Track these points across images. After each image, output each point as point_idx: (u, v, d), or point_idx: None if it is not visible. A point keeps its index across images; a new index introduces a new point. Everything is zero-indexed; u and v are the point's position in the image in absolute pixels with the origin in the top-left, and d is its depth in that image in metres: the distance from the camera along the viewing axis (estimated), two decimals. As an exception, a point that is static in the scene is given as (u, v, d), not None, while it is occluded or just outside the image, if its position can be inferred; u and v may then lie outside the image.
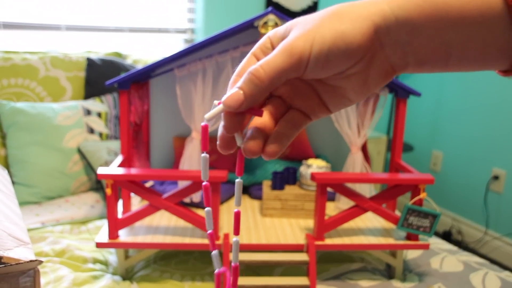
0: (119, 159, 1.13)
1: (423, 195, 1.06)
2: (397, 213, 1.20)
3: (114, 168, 1.05)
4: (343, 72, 0.34)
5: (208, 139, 0.36)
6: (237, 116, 0.34)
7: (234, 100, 0.33)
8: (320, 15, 0.34)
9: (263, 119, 0.35)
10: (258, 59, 0.36)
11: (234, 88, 0.33)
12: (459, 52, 0.33)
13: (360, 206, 1.07)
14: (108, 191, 1.01)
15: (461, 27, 0.32)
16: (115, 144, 1.70)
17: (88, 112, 1.73)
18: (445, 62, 0.34)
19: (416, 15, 0.32)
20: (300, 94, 0.37)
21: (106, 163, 1.59)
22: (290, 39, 0.33)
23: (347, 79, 0.35)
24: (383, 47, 0.34)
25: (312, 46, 0.32)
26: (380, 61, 0.34)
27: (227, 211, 1.24)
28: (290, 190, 1.25)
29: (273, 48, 0.35)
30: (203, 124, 0.35)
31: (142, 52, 2.20)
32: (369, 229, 1.17)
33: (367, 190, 1.25)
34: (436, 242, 1.38)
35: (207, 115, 0.34)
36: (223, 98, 0.33)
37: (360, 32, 0.32)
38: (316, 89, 0.36)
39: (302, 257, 1.06)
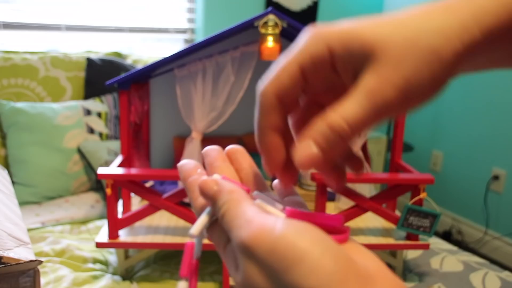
0: (119, 159, 1.13)
1: (423, 195, 1.06)
2: (397, 213, 1.20)
3: (114, 168, 1.05)
4: None
5: (191, 261, 0.29)
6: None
7: (309, 157, 0.26)
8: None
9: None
10: (304, 71, 0.27)
11: (306, 142, 0.26)
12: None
13: (360, 206, 1.07)
14: (108, 191, 1.01)
15: None
16: (115, 144, 1.70)
17: (88, 112, 1.73)
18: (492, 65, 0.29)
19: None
20: (333, 89, 0.30)
21: (106, 163, 1.59)
22: (380, 88, 0.25)
23: None
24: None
25: (409, 93, 0.25)
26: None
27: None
28: (290, 190, 1.25)
29: (333, 66, 0.27)
30: (188, 241, 0.29)
31: (142, 52, 2.20)
32: (369, 229, 1.17)
33: (367, 190, 1.25)
34: (436, 242, 1.38)
35: (194, 230, 0.28)
36: (296, 156, 0.27)
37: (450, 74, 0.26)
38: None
39: (302, 257, 1.06)
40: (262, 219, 0.24)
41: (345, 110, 0.26)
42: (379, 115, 0.26)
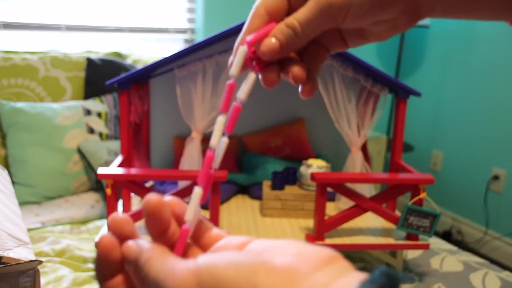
0: (119, 159, 1.13)
1: (423, 195, 1.06)
2: (397, 213, 1.20)
3: (114, 168, 1.05)
4: (375, 21, 0.35)
5: (185, 245, 0.30)
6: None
7: (269, 48, 0.33)
8: None
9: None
10: (267, 10, 0.34)
11: (269, 38, 0.33)
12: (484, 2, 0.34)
13: (360, 206, 1.07)
14: (108, 191, 1.01)
15: None
16: (115, 144, 1.70)
17: (88, 112, 1.73)
18: (470, 11, 0.35)
19: None
20: (323, 33, 0.36)
21: (106, 163, 1.59)
22: None
23: (375, 25, 0.36)
24: None
25: (351, 2, 0.32)
26: (410, 6, 0.35)
27: (227, 211, 1.24)
28: (290, 190, 1.25)
29: None
30: (184, 226, 0.30)
31: (142, 52, 2.20)
32: (369, 229, 1.17)
33: (367, 190, 1.25)
34: (436, 242, 1.38)
35: (189, 215, 0.30)
36: (260, 47, 0.33)
37: None
38: (340, 30, 0.37)
39: (302, 257, 1.06)
40: (182, 266, 0.25)
41: (298, 14, 0.33)
42: (324, 16, 0.33)
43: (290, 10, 0.35)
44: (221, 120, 0.32)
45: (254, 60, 0.34)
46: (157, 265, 0.26)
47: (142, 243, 0.28)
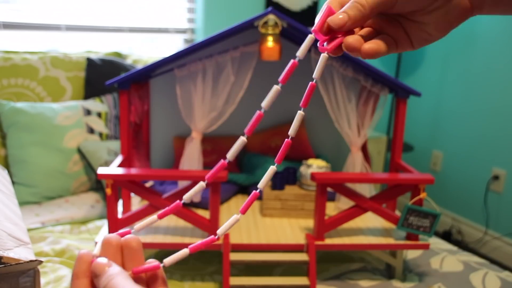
0: (119, 159, 1.13)
1: (423, 195, 1.06)
2: (397, 213, 1.20)
3: (114, 168, 1.05)
4: (426, 8, 0.39)
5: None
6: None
7: (340, 19, 0.38)
8: None
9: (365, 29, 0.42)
10: None
11: (339, 12, 0.38)
12: None
13: (360, 206, 1.07)
14: (108, 191, 1.01)
15: None
16: (115, 144, 1.70)
17: (88, 112, 1.73)
18: None
19: None
20: (390, 26, 0.41)
21: (106, 163, 1.59)
22: None
23: (429, 15, 0.39)
24: None
25: None
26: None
27: (227, 211, 1.24)
28: (290, 190, 1.25)
29: None
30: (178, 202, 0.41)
31: (142, 52, 2.20)
32: (369, 229, 1.17)
33: (367, 190, 1.25)
34: (436, 242, 1.38)
35: (186, 197, 0.41)
36: (330, 19, 0.39)
37: None
38: (402, 24, 0.41)
39: (302, 257, 1.06)
40: None
41: None
42: None
43: None
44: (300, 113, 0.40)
45: (325, 42, 0.40)
46: (118, 282, 0.34)
47: (110, 262, 0.36)
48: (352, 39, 0.39)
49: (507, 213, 2.21)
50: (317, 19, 0.40)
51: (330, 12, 0.39)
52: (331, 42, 0.40)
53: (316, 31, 0.39)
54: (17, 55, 1.77)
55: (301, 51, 0.39)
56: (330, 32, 0.39)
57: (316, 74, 0.39)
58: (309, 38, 0.39)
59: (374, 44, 0.39)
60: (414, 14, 0.40)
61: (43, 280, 1.04)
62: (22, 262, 0.58)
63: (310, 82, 0.39)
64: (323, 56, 0.39)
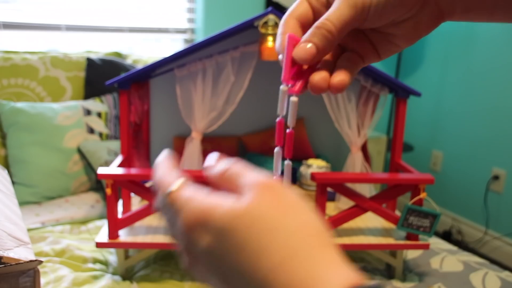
0: (119, 159, 1.13)
1: (423, 195, 1.06)
2: (397, 213, 1.20)
3: (114, 168, 1.05)
4: (395, 20, 0.36)
5: None
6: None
7: (306, 53, 0.34)
8: None
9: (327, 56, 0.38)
10: (312, 6, 0.37)
11: (304, 43, 0.35)
12: (504, 2, 0.34)
13: (360, 206, 1.07)
14: (108, 191, 1.01)
15: None
16: (115, 144, 1.70)
17: (88, 112, 1.73)
18: (490, 12, 0.35)
19: None
20: (354, 40, 0.39)
21: (106, 163, 1.59)
22: None
23: (397, 26, 0.37)
24: None
25: None
26: (431, 7, 0.36)
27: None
28: (290, 190, 1.25)
29: None
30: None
31: (142, 52, 2.20)
32: (369, 229, 1.17)
33: (367, 190, 1.25)
34: (436, 242, 1.38)
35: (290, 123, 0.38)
36: (295, 52, 0.35)
37: None
38: (368, 36, 0.39)
39: (302, 257, 1.06)
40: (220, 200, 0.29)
41: (328, 14, 0.35)
42: (355, 15, 0.34)
43: (314, 18, 0.37)
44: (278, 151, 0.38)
45: (291, 83, 0.36)
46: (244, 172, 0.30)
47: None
48: (318, 78, 0.35)
49: (507, 213, 2.21)
50: (281, 57, 0.36)
51: (294, 41, 0.35)
52: (298, 81, 0.36)
53: (286, 80, 0.36)
54: (17, 55, 1.77)
55: (280, 109, 0.36)
56: (294, 64, 0.35)
57: (289, 122, 0.37)
58: (282, 90, 0.35)
59: (343, 76, 0.36)
60: (382, 26, 0.37)
61: (43, 280, 1.04)
62: (22, 262, 0.58)
63: (277, 120, 0.37)
64: (293, 101, 0.36)
